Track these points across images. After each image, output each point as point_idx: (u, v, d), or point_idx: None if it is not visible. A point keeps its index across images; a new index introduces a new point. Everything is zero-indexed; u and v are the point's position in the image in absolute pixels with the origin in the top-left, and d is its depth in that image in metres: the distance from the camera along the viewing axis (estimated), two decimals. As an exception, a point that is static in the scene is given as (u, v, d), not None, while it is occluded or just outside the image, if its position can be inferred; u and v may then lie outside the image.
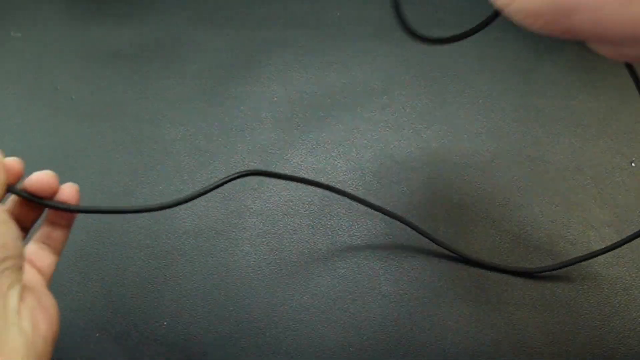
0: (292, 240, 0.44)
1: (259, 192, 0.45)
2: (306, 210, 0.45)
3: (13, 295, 0.23)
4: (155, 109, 0.51)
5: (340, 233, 0.44)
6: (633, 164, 0.48)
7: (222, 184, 0.32)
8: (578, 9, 0.20)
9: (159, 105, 0.52)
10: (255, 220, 0.44)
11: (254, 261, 0.42)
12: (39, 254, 0.29)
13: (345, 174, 0.47)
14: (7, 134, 0.50)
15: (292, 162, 0.48)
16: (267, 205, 0.45)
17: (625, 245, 0.39)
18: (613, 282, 0.41)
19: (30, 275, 0.28)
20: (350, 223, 0.44)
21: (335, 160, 0.48)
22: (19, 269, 0.24)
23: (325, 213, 0.45)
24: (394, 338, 0.39)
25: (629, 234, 0.38)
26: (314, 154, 0.48)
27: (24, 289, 0.25)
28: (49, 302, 0.27)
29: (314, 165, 0.48)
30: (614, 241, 0.39)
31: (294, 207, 0.45)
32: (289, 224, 0.44)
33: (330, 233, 0.44)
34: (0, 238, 0.23)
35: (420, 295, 0.41)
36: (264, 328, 0.39)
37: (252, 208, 0.45)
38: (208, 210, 0.45)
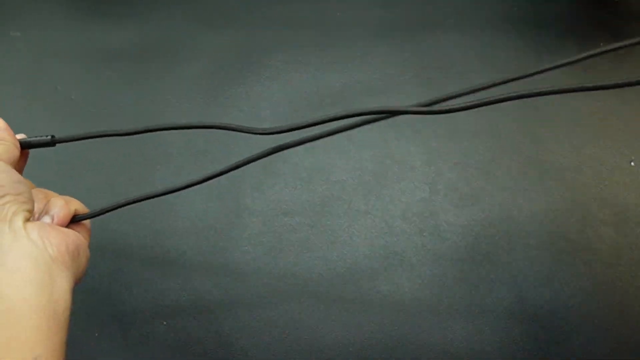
0: (292, 239, 0.44)
1: (258, 191, 0.45)
2: (306, 210, 0.45)
3: (18, 219, 0.26)
4: (155, 109, 0.51)
5: (340, 233, 0.44)
6: (633, 164, 0.48)
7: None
8: None
9: (159, 105, 0.52)
10: (254, 219, 0.44)
11: (253, 260, 0.42)
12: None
13: (345, 174, 0.47)
14: (7, 133, 0.50)
15: (291, 162, 0.48)
16: (266, 204, 0.45)
17: (625, 245, 0.39)
18: (613, 282, 0.41)
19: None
20: (350, 223, 0.44)
21: (335, 160, 0.48)
22: (21, 203, 0.27)
23: (325, 213, 0.45)
24: (393, 338, 0.39)
25: (628, 233, 0.38)
26: (314, 154, 0.48)
27: (38, 224, 0.27)
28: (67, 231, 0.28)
29: (313, 165, 0.48)
30: (614, 241, 0.39)
31: (293, 207, 0.45)
32: (288, 224, 0.44)
33: (330, 233, 0.44)
34: None
35: (421, 295, 0.41)
36: (263, 328, 0.39)
37: (252, 207, 0.45)
38: (207, 209, 0.45)
